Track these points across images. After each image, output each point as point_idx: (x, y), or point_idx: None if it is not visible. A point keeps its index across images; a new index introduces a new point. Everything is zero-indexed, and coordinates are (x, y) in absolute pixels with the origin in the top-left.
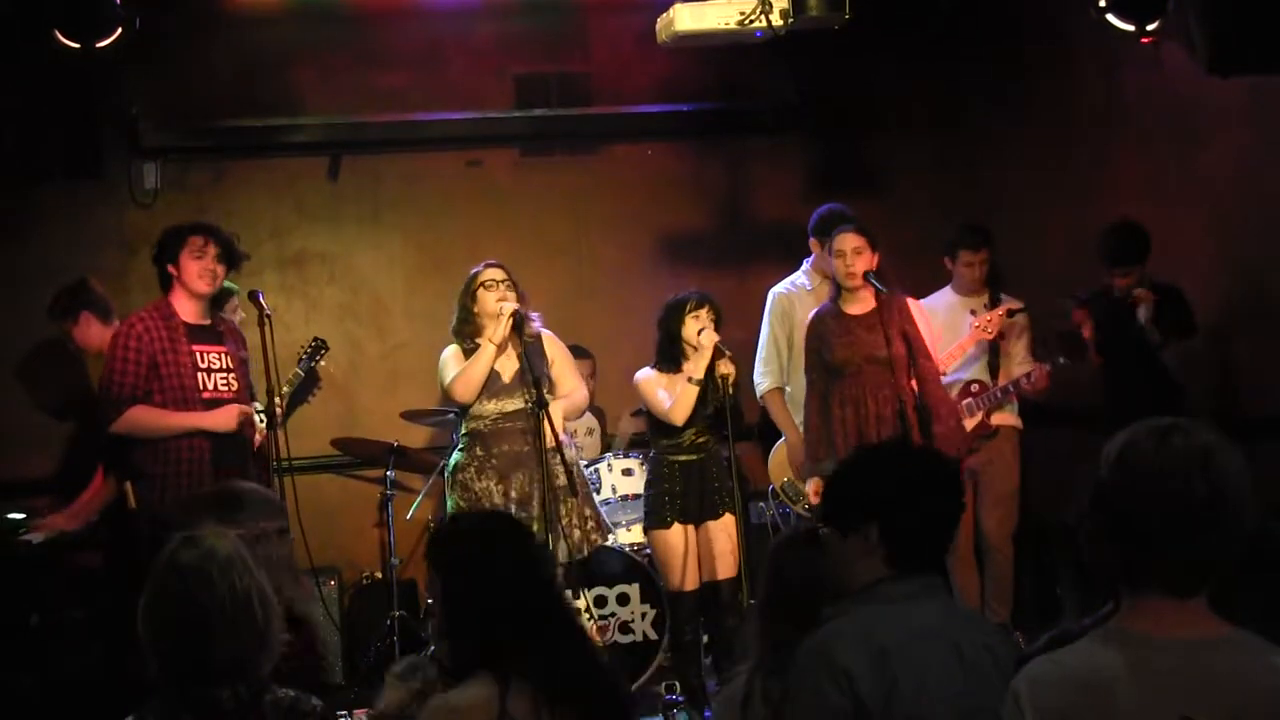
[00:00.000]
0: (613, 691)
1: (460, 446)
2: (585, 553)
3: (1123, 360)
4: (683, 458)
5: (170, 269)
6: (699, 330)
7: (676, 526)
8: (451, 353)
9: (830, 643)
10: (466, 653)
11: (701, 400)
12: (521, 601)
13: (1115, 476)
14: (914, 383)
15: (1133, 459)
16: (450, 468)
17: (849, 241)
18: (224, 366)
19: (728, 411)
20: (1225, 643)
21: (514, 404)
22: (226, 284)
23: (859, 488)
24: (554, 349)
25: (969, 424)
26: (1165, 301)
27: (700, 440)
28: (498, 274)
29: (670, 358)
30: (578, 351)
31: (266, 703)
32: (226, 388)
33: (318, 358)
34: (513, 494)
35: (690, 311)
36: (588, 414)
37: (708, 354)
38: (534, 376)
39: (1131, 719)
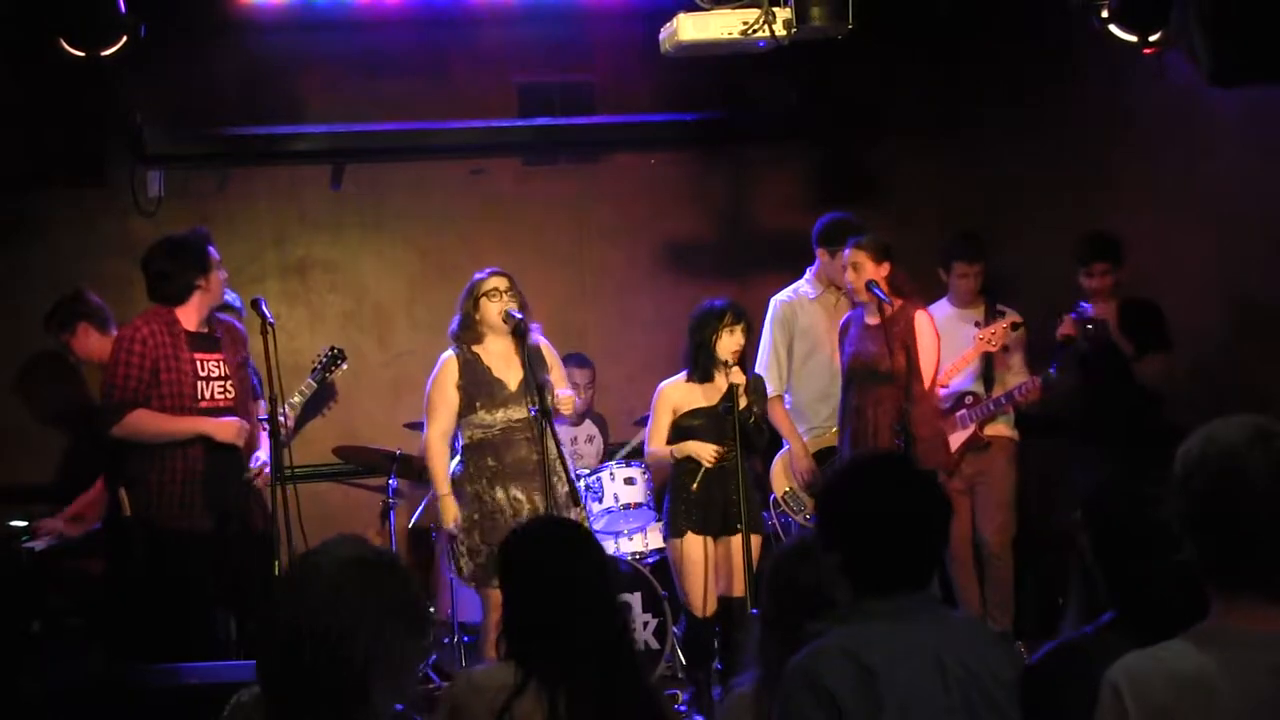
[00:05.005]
0: None
1: (462, 456)
2: None
3: (1099, 373)
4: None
5: (200, 281)
6: (733, 350)
7: (691, 537)
8: (444, 366)
9: (815, 663)
10: (512, 644)
11: (726, 414)
12: (577, 613)
13: (1219, 483)
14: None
15: (1237, 465)
16: (454, 478)
17: (853, 256)
18: (221, 374)
19: (736, 422)
20: None
21: (520, 412)
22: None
23: (827, 507)
24: (551, 358)
25: (961, 436)
26: (1137, 315)
27: (725, 453)
28: (501, 283)
29: (702, 368)
30: (578, 360)
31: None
32: (223, 395)
33: (332, 369)
34: (524, 504)
35: (726, 325)
36: (587, 421)
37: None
38: (538, 384)
39: (1234, 716)
